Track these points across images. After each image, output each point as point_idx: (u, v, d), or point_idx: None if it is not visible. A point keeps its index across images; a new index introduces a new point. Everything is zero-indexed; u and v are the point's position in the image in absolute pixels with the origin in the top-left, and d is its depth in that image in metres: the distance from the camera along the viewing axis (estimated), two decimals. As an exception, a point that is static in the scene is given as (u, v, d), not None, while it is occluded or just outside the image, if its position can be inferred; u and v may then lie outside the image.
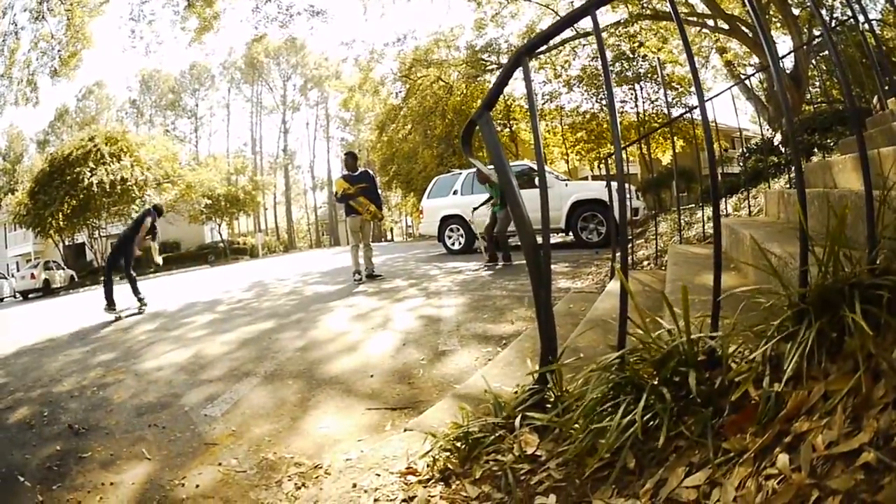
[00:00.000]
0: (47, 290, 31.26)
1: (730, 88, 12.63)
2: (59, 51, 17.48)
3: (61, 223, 32.18)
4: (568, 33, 24.93)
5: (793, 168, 3.17)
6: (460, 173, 16.43)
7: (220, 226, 48.10)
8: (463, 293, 7.53)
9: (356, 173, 10.87)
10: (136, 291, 10.28)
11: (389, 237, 70.42)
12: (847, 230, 1.68)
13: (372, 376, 4.29)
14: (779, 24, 22.41)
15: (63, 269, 34.89)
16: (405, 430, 2.87)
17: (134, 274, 10.45)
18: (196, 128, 79.19)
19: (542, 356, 2.54)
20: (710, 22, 22.77)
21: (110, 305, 9.71)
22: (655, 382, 1.84)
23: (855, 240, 1.87)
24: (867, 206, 1.78)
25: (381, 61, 32.53)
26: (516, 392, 2.53)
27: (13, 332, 11.25)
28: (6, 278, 37.46)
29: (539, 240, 2.61)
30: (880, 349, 1.35)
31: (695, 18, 23.34)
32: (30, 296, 30.95)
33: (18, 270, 45.77)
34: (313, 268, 16.93)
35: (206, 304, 10.21)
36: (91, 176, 29.10)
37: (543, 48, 26.75)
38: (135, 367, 5.59)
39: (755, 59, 26.40)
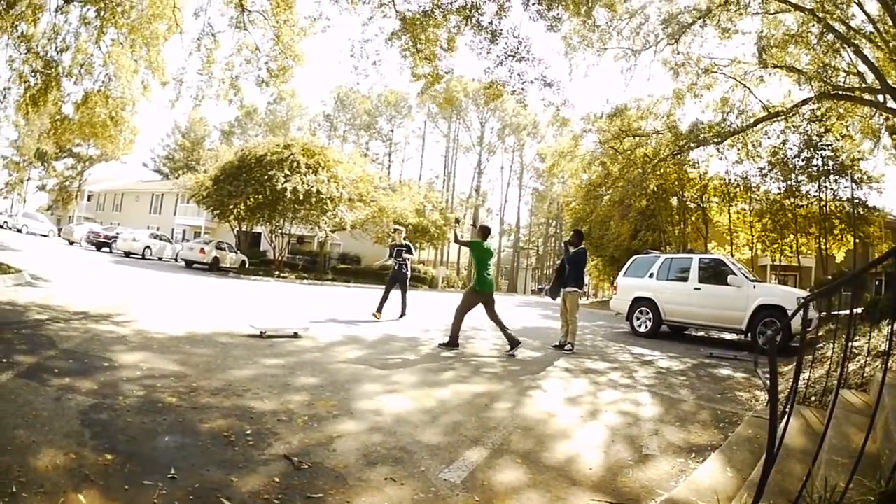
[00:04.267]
0: (215, 268, 33.66)
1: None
2: (265, 62, 18.64)
3: (242, 213, 34.09)
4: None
5: None
6: (658, 256, 16.47)
7: (405, 252, 48.83)
8: (655, 391, 7.55)
9: (575, 250, 11.59)
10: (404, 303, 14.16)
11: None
12: None
13: (591, 469, 4.34)
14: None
15: (236, 252, 37.50)
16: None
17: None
18: (390, 152, 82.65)
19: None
20: (881, 98, 21.52)
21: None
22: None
23: None
24: None
25: (591, 130, 32.48)
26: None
27: (181, 309, 12.02)
28: (170, 242, 42.03)
29: None
30: None
31: (869, 96, 22.22)
32: (194, 266, 33.79)
33: (184, 238, 50.91)
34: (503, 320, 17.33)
35: (405, 341, 10.33)
36: (285, 182, 30.09)
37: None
38: (348, 403, 5.50)
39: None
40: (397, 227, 16.02)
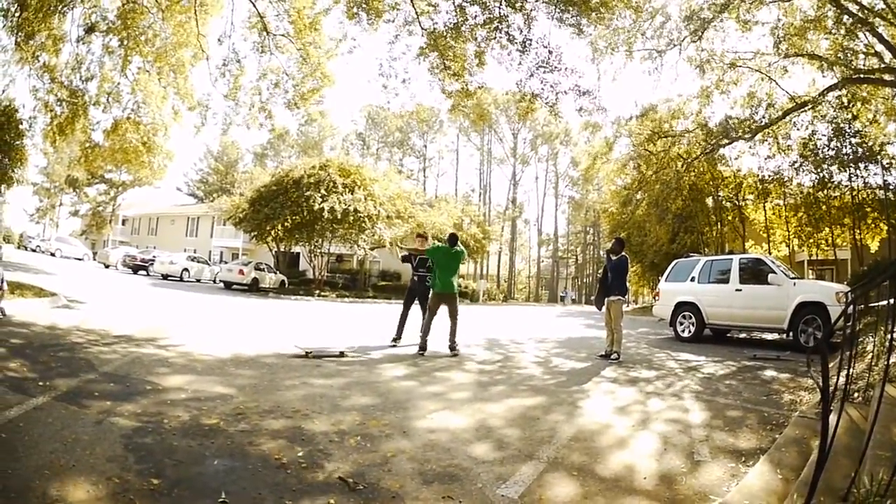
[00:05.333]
0: (254, 288, 33.83)
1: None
2: (294, 85, 18.67)
3: (280, 234, 33.98)
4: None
5: None
6: (698, 260, 16.40)
7: (444, 266, 48.85)
8: (702, 397, 7.46)
9: (616, 258, 11.50)
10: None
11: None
12: None
13: (645, 478, 4.27)
14: None
15: (275, 272, 37.54)
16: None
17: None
18: (424, 168, 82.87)
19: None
20: None
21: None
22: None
23: None
24: None
25: (623, 134, 32.37)
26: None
27: (224, 330, 12.04)
28: (208, 264, 42.52)
29: None
30: None
31: (889, 76, 21.97)
32: (233, 287, 34.12)
33: (222, 260, 51.46)
34: (545, 332, 17.70)
35: (449, 358, 10.24)
36: (322, 202, 30.45)
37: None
38: (400, 422, 5.42)
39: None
40: (421, 233, 13.72)
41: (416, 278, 11.89)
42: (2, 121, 21.35)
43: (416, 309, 11.66)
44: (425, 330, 10.73)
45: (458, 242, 11.52)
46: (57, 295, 12.44)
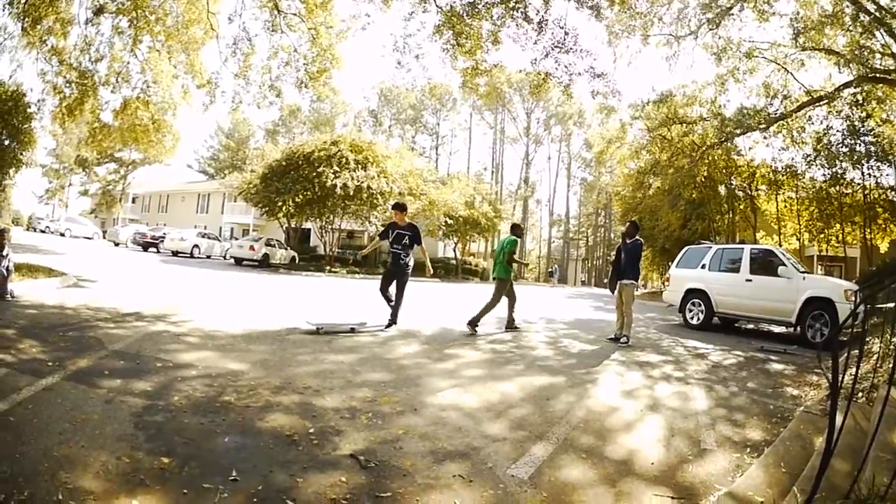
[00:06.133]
0: (265, 264, 33.86)
1: None
2: (304, 64, 18.49)
3: (292, 209, 34.07)
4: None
5: None
6: (710, 247, 16.37)
7: (455, 244, 49.51)
8: (709, 385, 7.52)
9: (631, 242, 11.44)
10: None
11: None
12: None
13: (653, 463, 4.29)
14: None
15: (286, 248, 37.54)
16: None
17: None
18: (436, 146, 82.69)
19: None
20: None
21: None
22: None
23: None
24: None
25: (639, 117, 32.17)
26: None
27: (234, 307, 12.07)
28: (219, 240, 42.67)
29: None
30: None
31: None
32: (244, 263, 34.25)
33: (232, 236, 51.64)
34: (556, 313, 17.66)
35: (461, 335, 10.29)
36: (334, 178, 30.53)
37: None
38: (411, 399, 5.43)
39: None
40: (398, 203, 11.06)
41: (391, 258, 10.39)
42: (9, 105, 21.51)
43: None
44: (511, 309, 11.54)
45: (517, 231, 12.13)
46: (66, 275, 12.43)
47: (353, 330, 9.34)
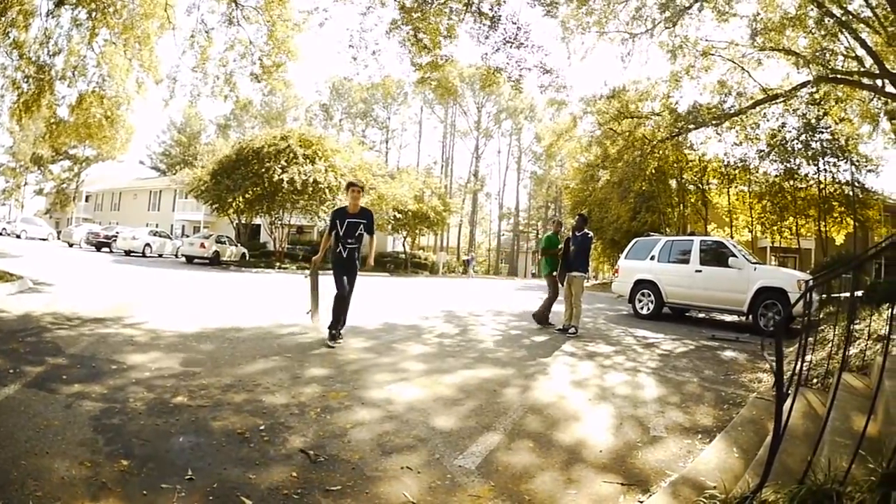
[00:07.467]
0: (215, 262, 33.63)
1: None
2: (259, 57, 18.47)
3: (241, 206, 34.09)
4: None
5: None
6: (659, 239, 16.69)
7: (404, 238, 49.56)
8: (659, 374, 7.68)
9: (580, 235, 11.71)
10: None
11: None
12: None
13: (601, 451, 4.42)
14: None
15: (236, 245, 37.38)
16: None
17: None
18: (387, 139, 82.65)
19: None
20: (879, 83, 21.88)
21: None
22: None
23: None
24: None
25: (590, 112, 32.41)
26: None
27: (185, 306, 11.88)
28: (170, 238, 41.97)
29: None
30: None
31: (868, 81, 22.53)
32: (195, 261, 33.64)
33: (183, 234, 51.25)
34: (503, 305, 17.89)
35: (407, 329, 10.47)
36: (282, 173, 30.44)
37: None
38: (359, 393, 5.55)
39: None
40: (353, 182, 8.75)
41: (343, 250, 8.48)
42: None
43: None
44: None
45: (555, 227, 13.72)
46: (23, 278, 12.28)
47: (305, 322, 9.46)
